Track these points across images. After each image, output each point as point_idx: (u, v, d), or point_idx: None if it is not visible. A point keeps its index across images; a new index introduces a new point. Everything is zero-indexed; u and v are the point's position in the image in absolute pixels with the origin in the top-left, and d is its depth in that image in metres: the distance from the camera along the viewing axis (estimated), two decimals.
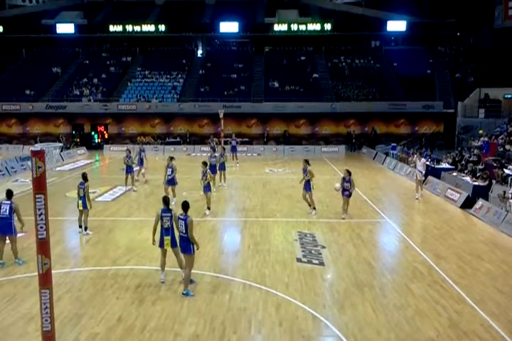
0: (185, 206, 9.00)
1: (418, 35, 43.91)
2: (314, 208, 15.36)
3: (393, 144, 30.94)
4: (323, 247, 11.94)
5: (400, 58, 41.33)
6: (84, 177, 13.05)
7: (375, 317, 8.16)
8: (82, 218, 13.05)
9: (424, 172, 18.08)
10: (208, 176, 15.33)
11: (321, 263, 10.78)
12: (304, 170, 15.28)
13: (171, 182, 16.38)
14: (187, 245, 8.90)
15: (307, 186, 15.07)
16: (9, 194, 10.67)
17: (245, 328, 7.75)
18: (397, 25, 42.15)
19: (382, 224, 14.59)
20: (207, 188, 15.19)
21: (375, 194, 18.83)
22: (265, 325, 7.87)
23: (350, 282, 9.67)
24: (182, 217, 8.93)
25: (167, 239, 9.22)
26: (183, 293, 8.92)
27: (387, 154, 29.35)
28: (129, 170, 18.99)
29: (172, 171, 16.27)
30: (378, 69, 40.94)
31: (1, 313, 8.21)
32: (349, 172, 14.52)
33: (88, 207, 12.90)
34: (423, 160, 18.41)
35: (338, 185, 14.82)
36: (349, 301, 8.75)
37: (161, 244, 9.31)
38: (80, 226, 13.18)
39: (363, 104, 35.88)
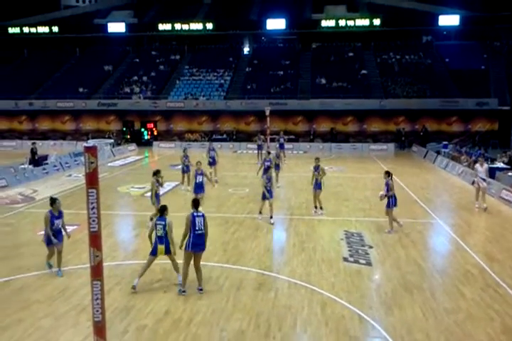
0: (198, 203, 8.92)
1: (472, 30, 42.41)
2: (321, 208, 15.00)
3: (445, 142, 29.98)
4: (371, 247, 11.71)
5: (453, 53, 39.97)
6: (153, 174, 13.06)
7: (425, 320, 7.93)
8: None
9: (487, 179, 16.15)
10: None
11: (369, 264, 10.57)
12: (316, 168, 14.79)
13: (201, 189, 14.87)
14: (203, 242, 8.75)
15: (318, 184, 14.68)
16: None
17: (290, 326, 7.71)
18: (449, 20, 40.72)
19: (433, 224, 14.16)
20: (270, 192, 13.84)
21: (425, 194, 18.31)
22: (311, 323, 7.80)
23: (398, 283, 9.44)
24: (198, 214, 8.72)
25: (161, 247, 8.88)
26: (199, 290, 8.90)
27: (438, 152, 28.47)
28: (185, 169, 18.58)
29: (202, 177, 14.88)
30: (429, 65, 39.79)
31: (55, 303, 8.52)
32: (388, 174, 12.83)
33: (152, 203, 12.96)
34: (486, 165, 16.09)
35: (382, 193, 13.04)
36: (397, 303, 8.54)
37: (154, 252, 8.97)
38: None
39: (414, 101, 34.96)
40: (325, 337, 7.37)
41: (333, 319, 7.92)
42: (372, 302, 8.58)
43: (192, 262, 8.79)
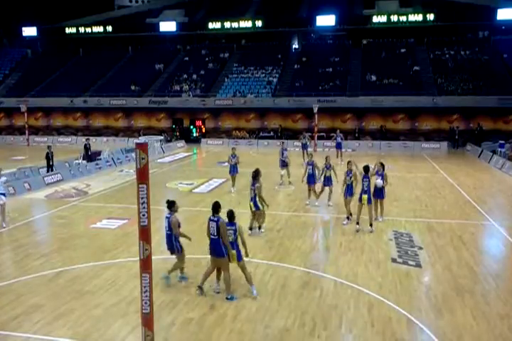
0: (217, 207, 8.52)
1: None
2: (348, 218, 13.34)
3: (501, 141, 28.73)
4: (421, 248, 11.38)
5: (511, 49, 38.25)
6: (255, 176, 12.18)
7: (476, 325, 7.64)
8: (255, 219, 12.32)
9: None
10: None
11: (418, 265, 10.28)
12: (348, 173, 13.22)
13: (312, 180, 15.36)
14: (220, 247, 8.40)
15: (348, 191, 13.10)
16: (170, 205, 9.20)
17: (336, 326, 7.61)
18: (508, 13, 38.94)
19: (487, 226, 13.62)
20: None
21: (479, 194, 17.63)
22: (357, 324, 7.67)
23: (449, 286, 9.14)
24: (213, 219, 8.40)
25: (233, 253, 8.49)
26: (226, 298, 8.49)
27: (494, 152, 27.35)
28: (232, 170, 17.73)
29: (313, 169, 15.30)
30: (486, 61, 38.21)
31: (105, 294, 8.79)
32: (383, 166, 13.33)
33: (260, 208, 12.19)
34: None
35: (380, 182, 13.00)
36: (447, 306, 8.27)
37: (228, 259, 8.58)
38: (250, 229, 12.30)
39: (468, 99, 33.61)
40: (371, 339, 7.24)
41: (380, 320, 7.76)
42: (421, 305, 8.34)
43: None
